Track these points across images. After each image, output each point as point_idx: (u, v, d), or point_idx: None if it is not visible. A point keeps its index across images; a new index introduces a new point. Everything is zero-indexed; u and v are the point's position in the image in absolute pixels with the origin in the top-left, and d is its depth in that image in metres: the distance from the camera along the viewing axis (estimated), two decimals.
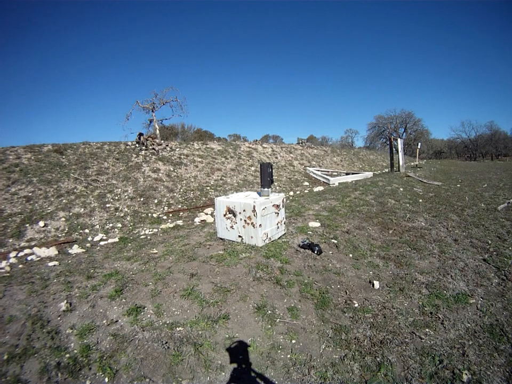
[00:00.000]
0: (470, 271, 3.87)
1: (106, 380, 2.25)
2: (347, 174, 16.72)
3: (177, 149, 13.51)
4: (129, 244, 5.62)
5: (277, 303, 3.15)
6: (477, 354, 2.41)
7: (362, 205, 7.42)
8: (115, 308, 3.06)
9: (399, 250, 4.59)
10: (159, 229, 6.76)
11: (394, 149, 16.67)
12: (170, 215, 8.15)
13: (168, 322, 2.84)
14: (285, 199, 5.10)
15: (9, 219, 6.74)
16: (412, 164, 20.99)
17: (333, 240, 4.91)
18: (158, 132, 17.23)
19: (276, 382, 2.27)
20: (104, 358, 2.42)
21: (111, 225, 7.30)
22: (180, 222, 7.27)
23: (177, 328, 2.77)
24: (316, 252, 4.22)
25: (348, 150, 27.95)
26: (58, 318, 2.87)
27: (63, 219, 7.17)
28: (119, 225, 7.30)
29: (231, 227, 4.69)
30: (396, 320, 2.88)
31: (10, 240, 6.16)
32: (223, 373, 2.35)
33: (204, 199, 9.76)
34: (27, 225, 6.67)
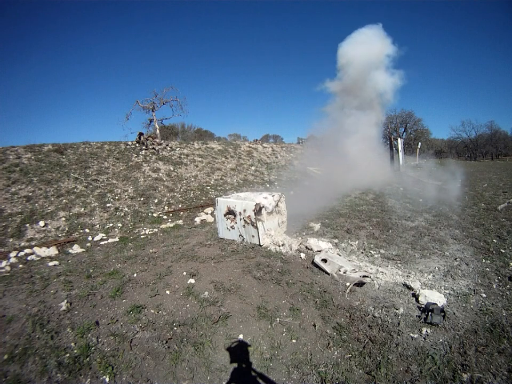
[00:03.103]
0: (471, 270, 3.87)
1: (107, 379, 2.25)
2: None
3: (177, 149, 13.50)
4: (130, 244, 5.62)
5: (277, 303, 3.14)
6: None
7: (363, 204, 7.42)
8: (115, 307, 3.06)
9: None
10: (159, 229, 6.76)
11: (394, 148, 16.65)
12: (171, 214, 8.15)
13: (168, 322, 2.84)
14: (284, 199, 5.10)
15: (10, 219, 6.74)
16: (412, 163, 20.96)
17: (334, 240, 4.91)
18: (158, 131, 17.23)
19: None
20: (105, 357, 2.42)
21: (111, 224, 7.30)
22: (180, 222, 7.27)
23: (177, 328, 2.77)
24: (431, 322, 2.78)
25: None
26: (59, 318, 2.87)
27: (63, 219, 7.18)
28: (119, 224, 7.31)
29: (232, 227, 4.69)
30: None
31: (11, 240, 6.16)
32: (223, 373, 2.36)
33: (204, 198, 9.76)
34: (27, 225, 6.67)
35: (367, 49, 12.52)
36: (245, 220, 4.46)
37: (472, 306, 3.06)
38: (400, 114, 38.12)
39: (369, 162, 12.55)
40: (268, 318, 2.91)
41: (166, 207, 8.73)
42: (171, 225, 7.02)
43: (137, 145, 12.53)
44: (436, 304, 2.89)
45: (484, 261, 4.13)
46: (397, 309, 3.03)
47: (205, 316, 2.90)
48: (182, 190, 10.15)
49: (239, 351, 2.53)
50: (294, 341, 2.66)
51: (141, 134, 12.90)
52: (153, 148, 12.44)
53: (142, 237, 6.20)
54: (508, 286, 3.41)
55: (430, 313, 2.80)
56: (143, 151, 12.07)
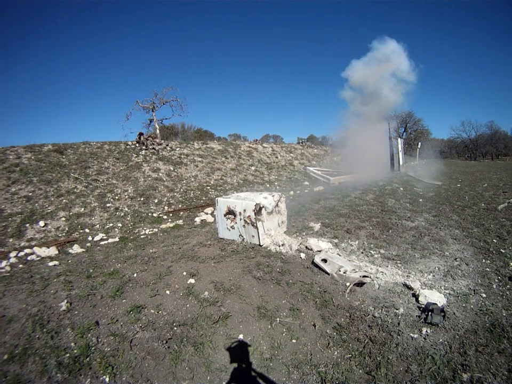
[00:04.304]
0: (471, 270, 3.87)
1: (107, 379, 2.25)
2: (347, 173, 16.67)
3: (177, 149, 13.50)
4: (130, 244, 5.62)
5: (277, 303, 3.14)
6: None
7: (363, 204, 7.42)
8: (115, 307, 3.06)
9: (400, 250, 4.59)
10: (159, 229, 6.76)
11: (394, 148, 16.66)
12: (171, 214, 8.15)
13: (168, 322, 2.84)
14: (284, 199, 5.10)
15: (10, 219, 6.74)
16: (412, 163, 20.98)
17: (333, 240, 4.91)
18: (158, 131, 17.23)
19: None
20: (105, 357, 2.42)
21: (111, 225, 7.30)
22: (180, 222, 7.27)
23: (177, 328, 2.77)
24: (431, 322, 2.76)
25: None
26: (59, 318, 2.87)
27: (63, 219, 7.18)
28: (119, 225, 7.31)
29: (232, 227, 4.69)
30: None
31: (11, 240, 6.16)
32: (223, 373, 2.35)
33: (204, 198, 9.76)
34: (27, 225, 6.68)
35: (388, 79, 13.34)
36: (245, 220, 4.46)
37: (472, 306, 3.06)
38: (400, 114, 38.14)
39: (371, 163, 13.28)
40: (268, 318, 2.91)
41: (166, 207, 8.73)
42: (171, 225, 7.02)
43: (137, 145, 12.54)
44: (436, 304, 2.89)
45: (483, 261, 4.13)
46: (397, 309, 3.03)
47: (205, 316, 2.90)
48: (182, 190, 10.15)
49: (239, 351, 2.53)
50: (294, 341, 2.66)
51: (141, 134, 12.90)
52: (153, 148, 12.45)
53: (142, 237, 6.20)
54: (508, 286, 3.41)
55: (430, 313, 2.80)
56: (143, 151, 12.07)
